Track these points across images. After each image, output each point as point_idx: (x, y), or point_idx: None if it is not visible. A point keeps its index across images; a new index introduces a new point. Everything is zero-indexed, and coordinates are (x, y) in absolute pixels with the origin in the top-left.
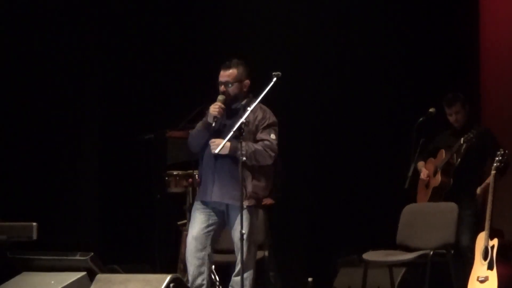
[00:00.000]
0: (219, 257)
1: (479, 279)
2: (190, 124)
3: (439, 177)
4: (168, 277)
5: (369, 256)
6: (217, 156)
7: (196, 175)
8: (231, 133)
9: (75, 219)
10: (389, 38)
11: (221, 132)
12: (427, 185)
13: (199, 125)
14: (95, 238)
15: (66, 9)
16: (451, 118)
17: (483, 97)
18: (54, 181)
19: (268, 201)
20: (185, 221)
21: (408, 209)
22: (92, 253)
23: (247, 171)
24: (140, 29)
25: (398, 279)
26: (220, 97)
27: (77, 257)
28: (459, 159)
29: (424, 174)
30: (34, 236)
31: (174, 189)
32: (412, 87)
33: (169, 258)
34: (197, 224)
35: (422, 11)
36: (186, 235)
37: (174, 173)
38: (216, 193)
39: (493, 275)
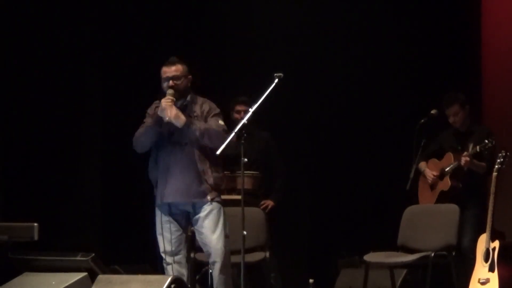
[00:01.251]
0: None
1: (480, 281)
2: None
3: (448, 181)
4: (169, 278)
5: (370, 257)
6: (176, 152)
7: None
8: (233, 133)
9: (77, 219)
10: (390, 39)
11: (172, 131)
12: (432, 187)
13: (148, 122)
14: (96, 239)
15: (69, 8)
16: (450, 120)
17: (484, 97)
18: (56, 182)
19: (268, 203)
20: None
21: (410, 210)
22: (93, 254)
23: (207, 162)
24: (141, 29)
25: (399, 281)
26: (170, 91)
27: (78, 258)
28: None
29: (429, 175)
30: (35, 237)
31: None
32: (414, 88)
33: None
34: (167, 235)
35: (423, 12)
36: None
37: None
38: (179, 193)
39: (494, 277)
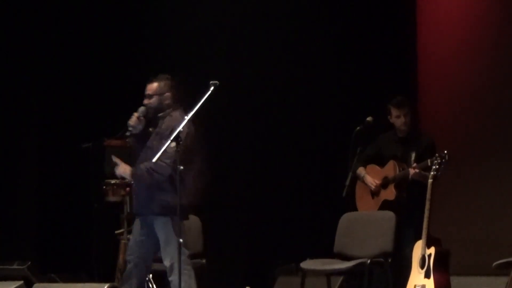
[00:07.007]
0: (157, 266)
1: (416, 287)
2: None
3: (393, 191)
4: (105, 287)
5: (307, 264)
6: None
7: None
8: (169, 141)
9: (13, 227)
10: (324, 47)
11: (146, 139)
12: (374, 195)
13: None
14: (32, 247)
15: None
16: (399, 121)
17: (420, 103)
18: None
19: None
20: (122, 230)
21: (346, 217)
22: (30, 262)
23: None
24: (79, 37)
25: None
26: (140, 109)
27: (14, 266)
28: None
29: (371, 183)
30: None
31: (111, 198)
32: (349, 95)
33: (106, 267)
34: None
35: (358, 18)
36: (124, 244)
37: (112, 182)
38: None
39: (430, 283)
